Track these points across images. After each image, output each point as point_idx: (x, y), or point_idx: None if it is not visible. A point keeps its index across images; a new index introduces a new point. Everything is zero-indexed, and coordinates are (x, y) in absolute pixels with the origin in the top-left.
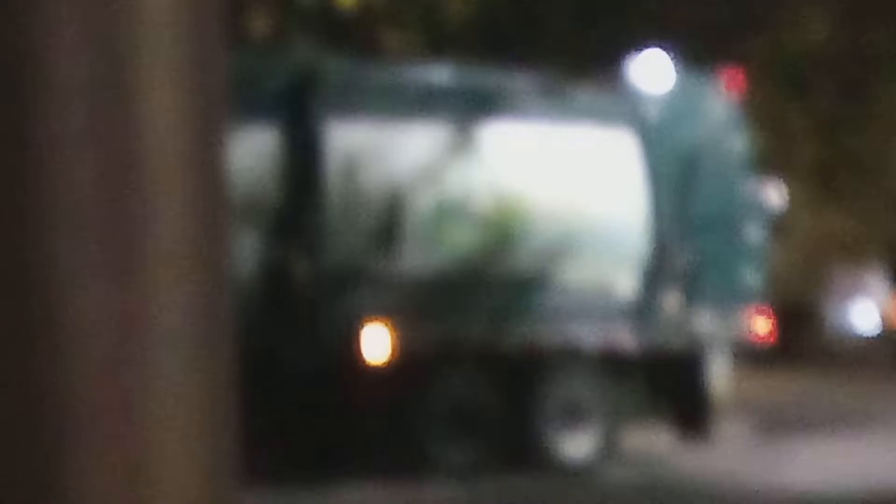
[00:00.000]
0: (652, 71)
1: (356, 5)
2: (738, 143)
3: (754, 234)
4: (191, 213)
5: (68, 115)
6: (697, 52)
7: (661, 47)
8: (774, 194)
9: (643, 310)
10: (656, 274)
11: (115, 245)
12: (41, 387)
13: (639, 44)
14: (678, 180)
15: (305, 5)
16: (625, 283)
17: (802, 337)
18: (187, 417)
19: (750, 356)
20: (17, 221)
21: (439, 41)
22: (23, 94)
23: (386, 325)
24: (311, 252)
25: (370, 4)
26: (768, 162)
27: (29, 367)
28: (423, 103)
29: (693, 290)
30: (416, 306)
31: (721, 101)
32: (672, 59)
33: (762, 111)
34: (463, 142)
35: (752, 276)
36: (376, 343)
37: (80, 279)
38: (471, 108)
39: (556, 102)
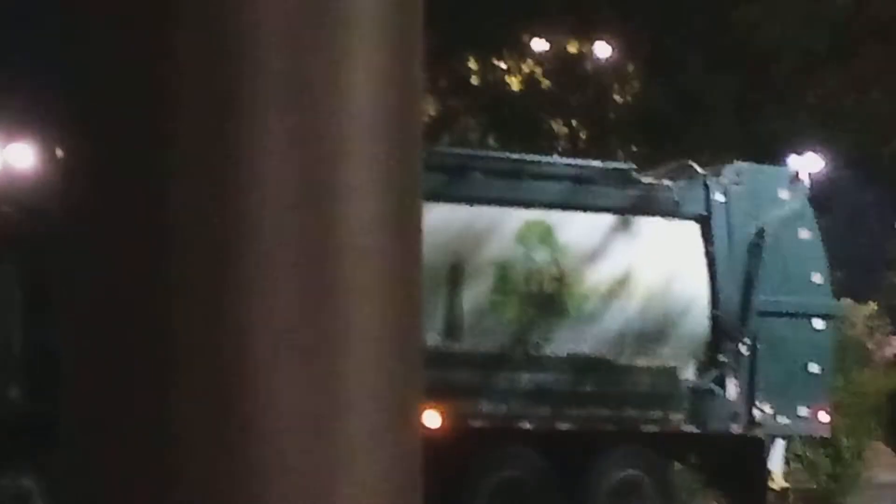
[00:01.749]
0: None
1: (524, 91)
2: (809, 234)
3: (820, 326)
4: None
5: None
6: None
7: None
8: None
9: (704, 395)
10: (718, 360)
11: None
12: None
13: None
14: (744, 269)
15: (478, 90)
16: (687, 368)
17: None
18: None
19: None
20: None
21: (602, 129)
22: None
23: (443, 398)
24: None
25: (539, 92)
26: None
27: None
28: (489, 188)
29: (755, 378)
30: (474, 381)
31: (792, 191)
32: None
33: None
34: (533, 226)
35: (816, 368)
36: (432, 414)
37: (275, 363)
38: (544, 195)
39: (627, 193)
